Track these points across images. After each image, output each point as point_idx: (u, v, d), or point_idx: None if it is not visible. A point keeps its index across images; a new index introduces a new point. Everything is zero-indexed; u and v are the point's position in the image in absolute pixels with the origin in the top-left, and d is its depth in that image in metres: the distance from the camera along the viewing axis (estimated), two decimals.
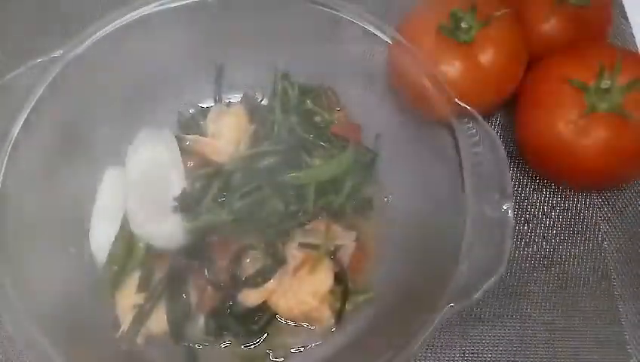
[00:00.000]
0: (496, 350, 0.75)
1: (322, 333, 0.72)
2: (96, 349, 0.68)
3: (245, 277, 0.70)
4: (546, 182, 0.84)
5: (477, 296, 0.58)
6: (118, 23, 0.71)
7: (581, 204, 0.83)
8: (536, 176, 0.85)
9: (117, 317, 0.70)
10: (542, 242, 0.81)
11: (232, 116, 0.79)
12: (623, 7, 0.99)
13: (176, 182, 0.72)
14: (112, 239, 0.72)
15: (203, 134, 0.79)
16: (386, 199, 0.79)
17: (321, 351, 0.71)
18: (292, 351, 0.71)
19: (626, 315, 0.76)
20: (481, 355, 0.74)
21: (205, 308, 0.70)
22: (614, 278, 0.79)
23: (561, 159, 0.74)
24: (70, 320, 0.65)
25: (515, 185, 0.84)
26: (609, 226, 0.82)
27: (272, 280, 0.70)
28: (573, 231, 0.82)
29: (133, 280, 0.70)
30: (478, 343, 0.75)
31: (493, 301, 0.77)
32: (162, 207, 0.71)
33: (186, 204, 0.71)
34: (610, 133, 0.70)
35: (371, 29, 0.73)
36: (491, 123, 0.89)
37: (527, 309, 0.77)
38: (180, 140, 0.76)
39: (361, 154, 0.78)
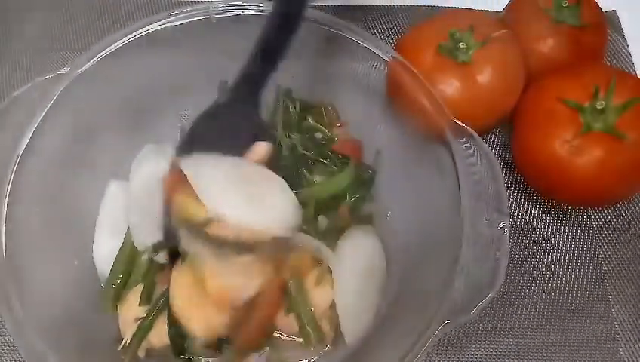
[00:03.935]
0: None
1: (321, 348, 0.72)
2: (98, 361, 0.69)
3: None
4: (543, 199, 0.86)
5: (473, 312, 0.59)
6: (122, 41, 0.73)
7: (577, 221, 0.84)
8: (532, 193, 0.86)
9: (119, 330, 0.71)
10: (538, 258, 0.82)
11: None
12: (620, 26, 1.00)
13: None
14: (115, 252, 0.73)
15: None
16: (386, 216, 0.80)
17: None
18: None
19: (622, 333, 0.77)
20: None
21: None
22: (610, 295, 0.79)
23: (557, 177, 0.76)
24: (73, 332, 0.66)
25: (511, 201, 0.86)
26: (605, 242, 0.83)
27: None
28: (570, 246, 0.83)
29: (136, 293, 0.71)
30: (474, 357, 0.76)
31: (489, 315, 0.78)
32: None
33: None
34: (604, 152, 0.71)
35: (371, 47, 0.74)
36: (489, 140, 0.90)
37: (522, 324, 0.77)
38: None
39: (361, 171, 0.80)
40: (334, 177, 0.75)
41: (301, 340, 0.72)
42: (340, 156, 0.78)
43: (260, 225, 0.65)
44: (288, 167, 0.75)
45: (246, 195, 0.65)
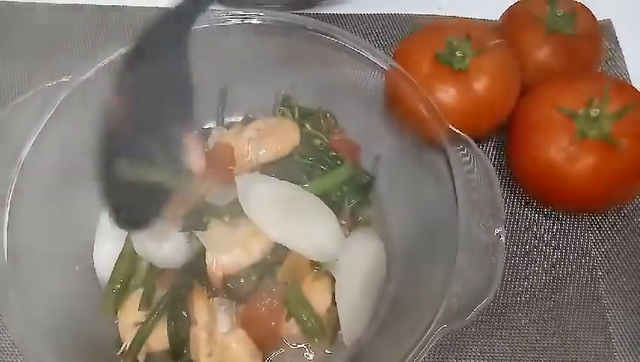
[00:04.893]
0: None
1: (318, 353, 0.73)
2: None
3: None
4: (538, 205, 0.86)
5: (469, 317, 0.60)
6: (123, 49, 0.74)
7: (572, 227, 0.85)
8: (528, 199, 0.87)
9: (119, 334, 0.71)
10: (533, 263, 0.83)
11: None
12: (615, 35, 1.02)
13: None
14: (116, 258, 0.73)
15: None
16: (384, 221, 0.81)
17: None
18: None
19: (617, 336, 0.78)
20: None
21: None
22: (605, 299, 0.80)
23: (552, 183, 0.77)
24: (73, 336, 0.66)
25: (507, 207, 0.86)
26: (599, 248, 0.84)
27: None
28: (565, 252, 0.84)
29: (136, 297, 0.71)
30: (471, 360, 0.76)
31: (485, 320, 0.78)
32: (164, 227, 0.73)
33: (192, 223, 0.72)
34: (599, 159, 0.72)
35: (369, 55, 0.75)
36: (485, 147, 0.91)
37: (517, 329, 0.78)
38: None
39: (358, 174, 0.81)
40: (332, 172, 0.77)
41: (304, 345, 0.73)
42: (339, 162, 0.78)
43: (305, 252, 0.69)
44: (287, 173, 0.75)
45: (295, 222, 0.70)
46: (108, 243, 0.75)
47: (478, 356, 0.77)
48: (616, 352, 0.77)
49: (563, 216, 0.86)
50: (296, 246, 0.69)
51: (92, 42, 0.99)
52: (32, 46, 0.98)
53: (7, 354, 0.74)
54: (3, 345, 0.74)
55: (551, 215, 0.86)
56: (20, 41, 0.98)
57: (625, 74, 0.97)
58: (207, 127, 0.87)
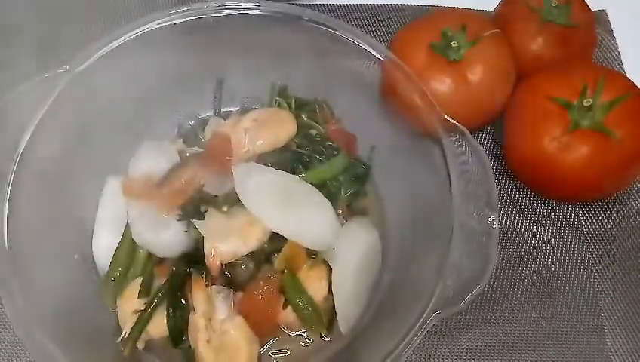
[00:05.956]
0: (481, 354, 0.77)
1: (314, 340, 0.74)
2: (98, 353, 0.70)
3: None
4: (532, 194, 0.87)
5: (463, 304, 0.61)
6: (120, 40, 0.74)
7: (565, 215, 0.86)
8: (522, 188, 0.88)
9: (119, 322, 0.72)
10: (527, 252, 0.84)
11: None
12: (609, 26, 1.02)
13: None
14: (115, 247, 0.74)
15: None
16: (380, 210, 0.82)
17: (312, 358, 0.73)
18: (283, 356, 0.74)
19: (609, 323, 0.79)
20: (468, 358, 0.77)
21: None
22: (597, 286, 0.81)
23: (545, 173, 0.78)
24: (73, 324, 0.67)
25: (501, 196, 0.87)
26: (592, 235, 0.85)
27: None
28: (558, 241, 0.85)
29: (135, 286, 0.72)
30: (465, 347, 0.77)
31: (479, 308, 0.79)
32: (162, 216, 0.73)
33: (189, 212, 0.73)
34: (591, 149, 0.73)
35: (365, 46, 0.76)
36: (480, 137, 0.92)
37: (511, 316, 0.79)
38: (180, 153, 0.79)
39: (354, 165, 0.81)
40: (325, 164, 0.78)
41: (300, 332, 0.74)
42: (335, 152, 0.79)
43: (301, 241, 0.71)
44: (284, 162, 0.76)
45: (291, 211, 0.71)
46: (107, 233, 0.76)
47: (473, 341, 0.78)
48: (608, 340, 0.78)
49: (557, 205, 0.87)
50: (292, 235, 0.70)
51: (88, 32, 1.00)
52: (29, 37, 0.98)
53: (9, 345, 0.75)
54: (3, 335, 0.76)
55: (545, 204, 0.87)
56: (16, 32, 0.98)
57: (619, 64, 0.98)
58: (203, 116, 0.88)
